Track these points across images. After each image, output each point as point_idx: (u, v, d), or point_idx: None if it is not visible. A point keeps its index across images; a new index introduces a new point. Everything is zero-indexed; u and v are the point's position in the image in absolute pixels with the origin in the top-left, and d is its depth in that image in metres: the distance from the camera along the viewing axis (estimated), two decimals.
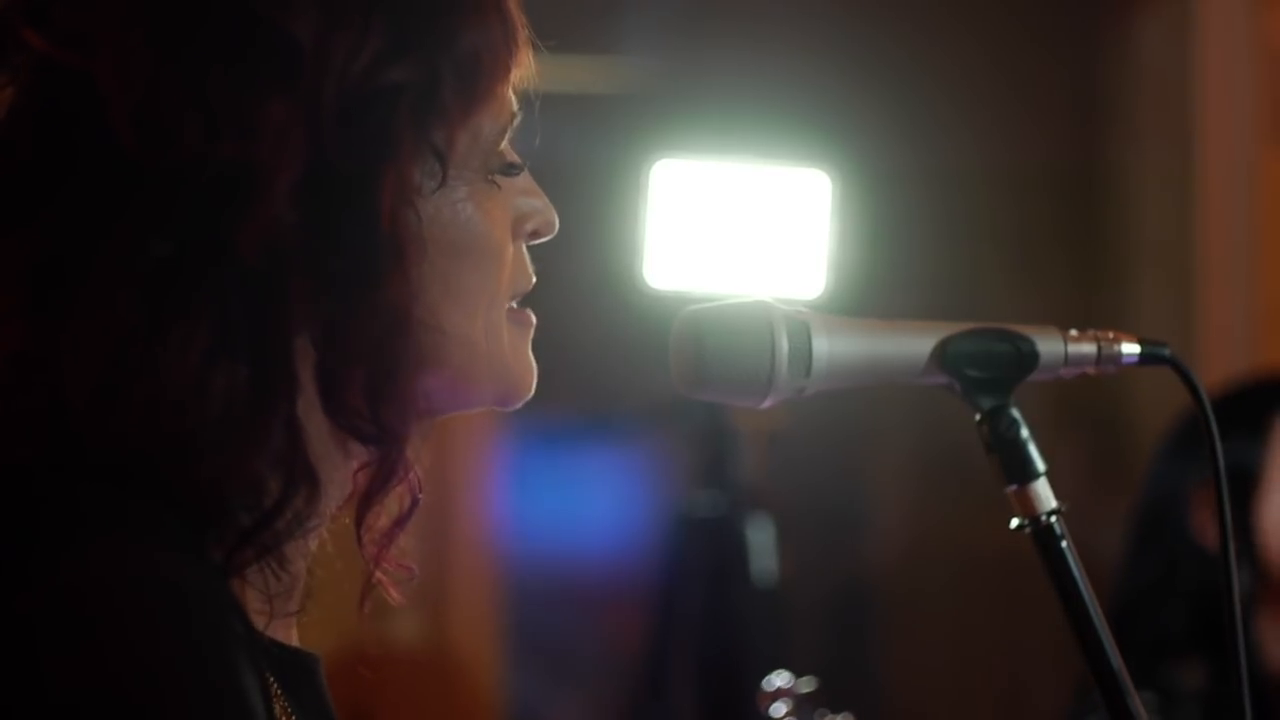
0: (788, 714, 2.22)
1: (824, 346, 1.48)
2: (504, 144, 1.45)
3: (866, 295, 4.14)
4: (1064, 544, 1.50)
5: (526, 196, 1.46)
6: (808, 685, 2.24)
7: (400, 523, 1.44)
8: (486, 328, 1.42)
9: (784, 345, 1.47)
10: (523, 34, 1.45)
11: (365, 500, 1.40)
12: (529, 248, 1.47)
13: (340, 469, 1.40)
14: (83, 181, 1.34)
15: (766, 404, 1.50)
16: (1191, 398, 1.51)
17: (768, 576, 4.04)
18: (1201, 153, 4.20)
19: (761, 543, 4.04)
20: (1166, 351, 1.52)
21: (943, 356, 1.50)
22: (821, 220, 3.98)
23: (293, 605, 1.41)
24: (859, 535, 5.05)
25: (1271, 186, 4.08)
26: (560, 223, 1.48)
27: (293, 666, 1.39)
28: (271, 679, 1.34)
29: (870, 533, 5.05)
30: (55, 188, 1.35)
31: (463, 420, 1.55)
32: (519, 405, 1.47)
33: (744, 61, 4.69)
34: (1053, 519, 1.50)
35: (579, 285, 3.83)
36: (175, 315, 1.32)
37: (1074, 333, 1.52)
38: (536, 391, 1.46)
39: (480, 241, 1.41)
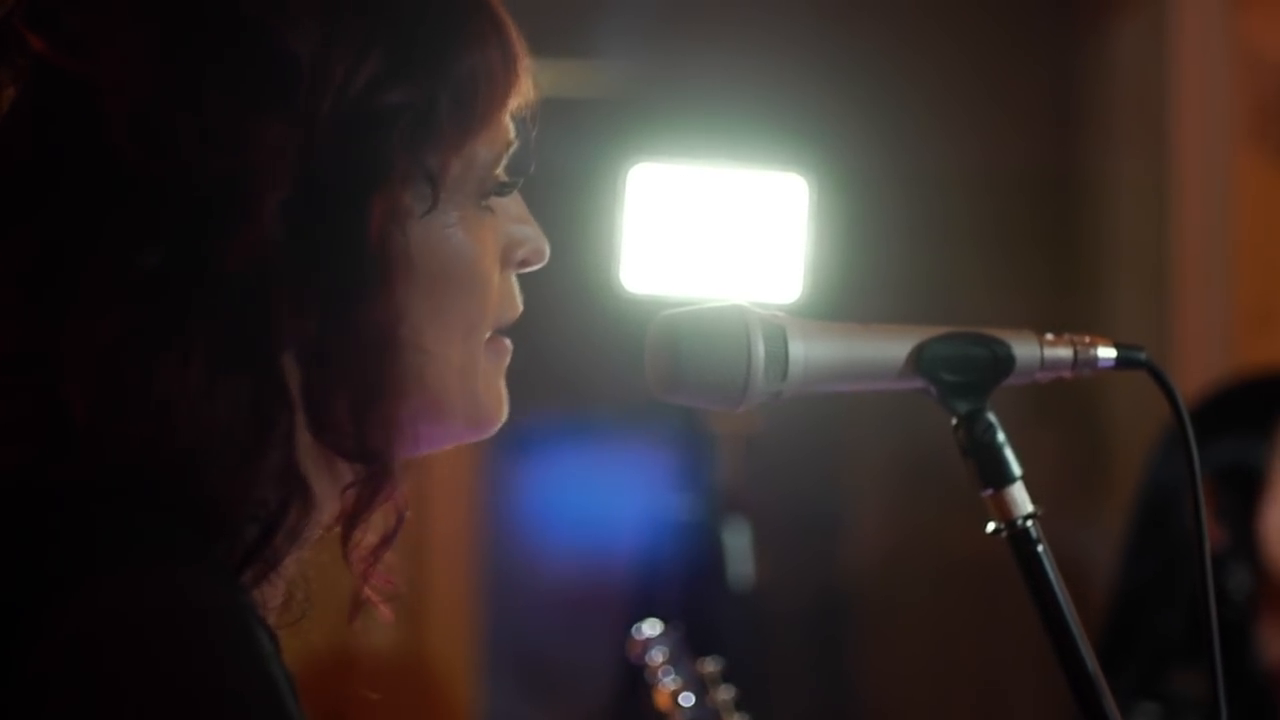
0: (664, 662, 2.22)
1: (800, 350, 1.48)
2: (499, 168, 1.44)
3: (843, 299, 4.13)
4: (1040, 548, 1.49)
5: (519, 224, 1.46)
6: (676, 631, 2.24)
7: (387, 540, 1.44)
8: (464, 354, 1.42)
9: (760, 349, 1.47)
10: (523, 61, 1.45)
11: (351, 518, 1.40)
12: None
13: (328, 485, 1.39)
14: (78, 186, 1.35)
15: (743, 408, 1.50)
16: (1167, 402, 1.52)
17: (745, 581, 4.04)
18: (1178, 156, 4.21)
19: (739, 547, 4.04)
20: (1143, 356, 1.53)
21: (919, 360, 1.50)
22: (798, 224, 3.97)
23: (286, 615, 1.41)
24: (837, 540, 5.05)
25: (1247, 190, 4.09)
26: (539, 226, 1.48)
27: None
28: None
29: (848, 537, 5.05)
30: (51, 190, 1.35)
31: None
32: (488, 435, 1.46)
33: (721, 66, 4.69)
34: (1028, 523, 1.50)
35: (556, 289, 3.81)
36: (168, 327, 1.32)
37: (1050, 337, 1.52)
38: (514, 395, 1.46)
39: (468, 268, 1.41)
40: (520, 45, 1.46)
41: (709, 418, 4.02)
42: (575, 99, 4.42)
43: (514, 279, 1.47)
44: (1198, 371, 3.93)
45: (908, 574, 4.96)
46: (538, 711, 4.69)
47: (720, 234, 3.94)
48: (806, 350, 1.48)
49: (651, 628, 2.25)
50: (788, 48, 4.78)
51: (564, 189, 3.78)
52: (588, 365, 4.44)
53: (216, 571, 1.31)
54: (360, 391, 1.36)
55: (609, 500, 4.63)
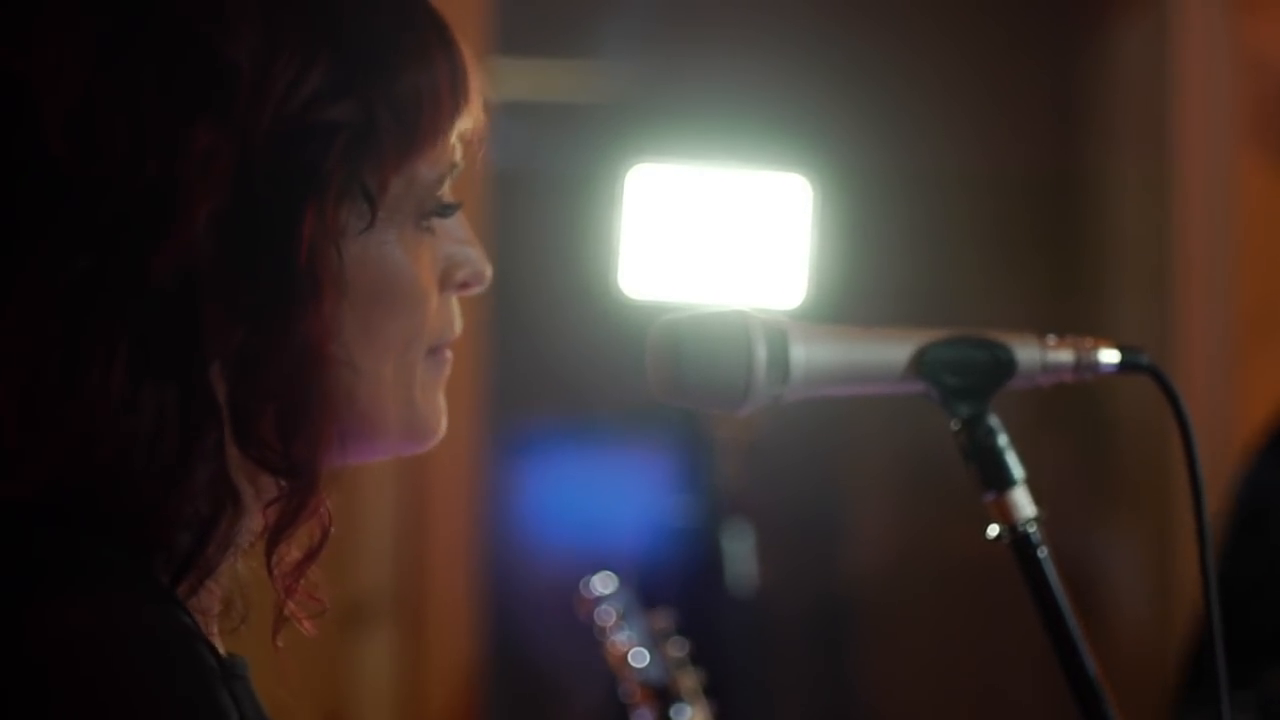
0: (615, 620, 2.20)
1: (801, 354, 1.48)
2: (443, 188, 1.43)
3: (846, 300, 4.13)
4: (1041, 552, 1.49)
5: (461, 246, 1.45)
6: (628, 584, 2.22)
7: (311, 556, 1.41)
8: (398, 371, 1.40)
9: (761, 352, 1.46)
10: (473, 83, 1.44)
11: (275, 533, 1.38)
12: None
13: (254, 497, 1.38)
14: (11, 188, 1.33)
15: (744, 412, 1.50)
16: (1170, 405, 1.51)
17: (746, 585, 4.03)
18: (1180, 158, 4.20)
19: (740, 551, 4.03)
20: (1145, 359, 1.52)
21: (920, 364, 1.49)
22: (801, 226, 3.97)
23: (227, 622, 1.40)
24: (838, 544, 5.05)
25: (1249, 192, 4.08)
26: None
27: (232, 677, 1.38)
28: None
29: (850, 541, 5.05)
30: None
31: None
32: (426, 448, 1.44)
33: (722, 67, 4.69)
34: (1030, 527, 1.49)
35: (558, 292, 3.82)
36: (92, 336, 1.31)
37: (1052, 340, 1.51)
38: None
39: (404, 288, 1.40)
40: (471, 67, 1.44)
41: (710, 421, 4.01)
42: (578, 100, 4.41)
43: (454, 301, 1.45)
44: (1200, 374, 3.93)
45: (909, 578, 4.96)
46: (539, 714, 4.68)
47: (723, 235, 3.93)
48: (808, 353, 1.48)
49: (602, 583, 2.22)
50: (789, 48, 4.77)
51: (566, 191, 3.78)
52: (588, 369, 4.43)
53: (153, 592, 1.30)
54: (287, 406, 1.34)
55: (609, 504, 4.62)
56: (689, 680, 2.18)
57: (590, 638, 2.23)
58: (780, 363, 1.47)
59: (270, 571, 1.40)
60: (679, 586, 4.02)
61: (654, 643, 2.18)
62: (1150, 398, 1.55)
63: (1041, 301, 4.90)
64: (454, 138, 1.43)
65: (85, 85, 1.33)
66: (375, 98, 1.37)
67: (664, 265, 3.89)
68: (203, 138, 1.32)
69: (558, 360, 4.19)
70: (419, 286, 1.41)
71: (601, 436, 4.67)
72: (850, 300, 4.25)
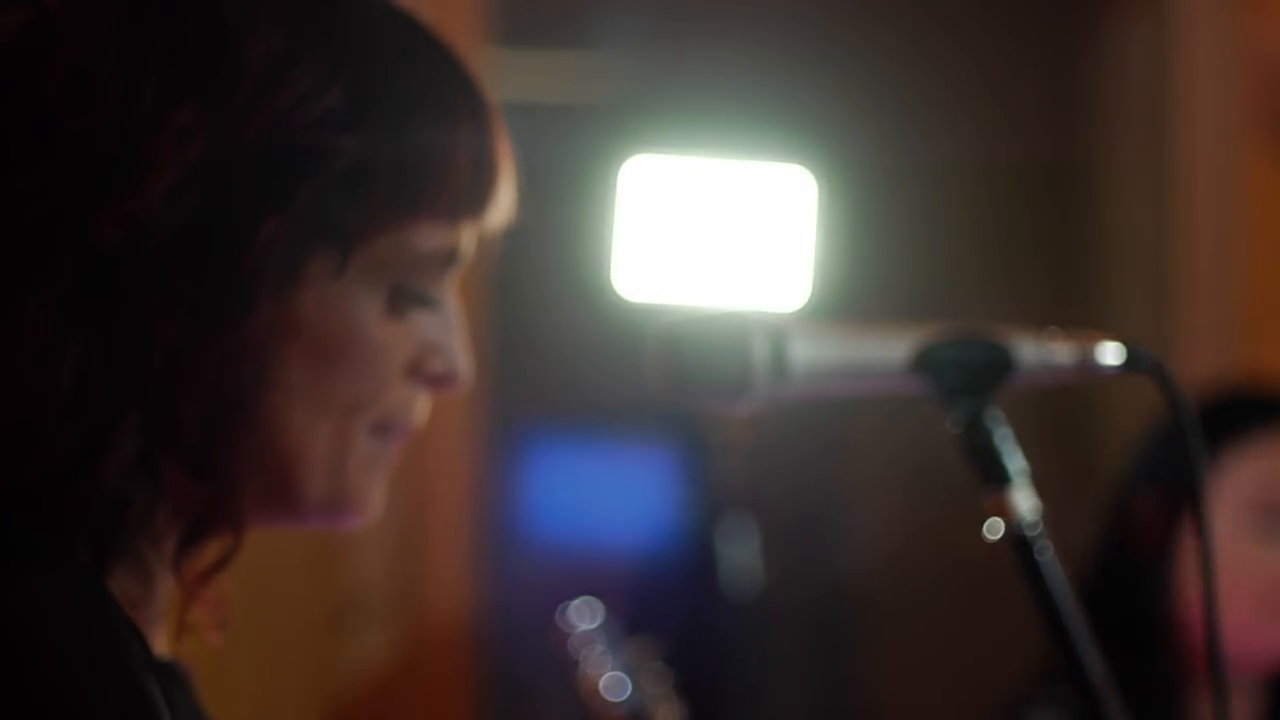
0: (595, 652, 2.17)
1: (800, 351, 1.47)
2: (436, 275, 1.38)
3: (849, 292, 4.12)
4: (1042, 549, 1.48)
5: (444, 336, 1.41)
6: (605, 613, 2.19)
7: (221, 564, 1.39)
8: (333, 433, 1.36)
9: (760, 350, 1.45)
10: (502, 172, 1.39)
11: (184, 538, 1.36)
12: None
13: (177, 494, 1.36)
14: (5, 119, 1.33)
15: (745, 410, 1.49)
16: (1171, 409, 1.50)
17: (745, 585, 4.03)
18: (1182, 151, 4.19)
19: (739, 551, 4.02)
20: (1150, 362, 1.50)
21: (920, 361, 1.48)
22: (805, 218, 3.95)
23: (159, 614, 1.38)
24: (838, 543, 5.04)
25: (1252, 185, 4.08)
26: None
27: (168, 678, 1.37)
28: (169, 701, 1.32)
29: (850, 540, 5.04)
30: None
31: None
32: (345, 527, 1.40)
33: (723, 59, 4.68)
34: (1031, 524, 1.48)
35: (557, 289, 3.81)
36: (27, 280, 1.30)
37: (1055, 338, 1.51)
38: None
39: (359, 351, 1.36)
40: (504, 156, 1.39)
41: (709, 421, 4.00)
42: (577, 94, 4.41)
43: (421, 394, 1.40)
44: (1201, 368, 3.92)
45: (910, 577, 4.95)
46: (533, 715, 4.67)
47: (723, 228, 3.92)
48: (807, 351, 1.47)
49: (578, 614, 2.18)
50: (790, 41, 4.76)
51: (567, 186, 3.77)
52: (587, 369, 4.42)
53: (73, 572, 1.28)
54: (210, 411, 1.32)
55: (608, 505, 4.61)
56: (671, 714, 2.15)
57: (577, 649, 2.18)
58: (780, 360, 1.46)
59: (179, 577, 1.37)
60: (678, 586, 4.02)
61: (635, 674, 2.14)
62: (1151, 400, 1.54)
63: (1045, 295, 4.89)
64: (468, 225, 1.39)
65: (100, 37, 1.33)
66: (381, 142, 1.34)
67: (664, 260, 3.88)
68: (183, 118, 1.32)
69: (557, 360, 4.19)
70: (378, 357, 1.36)
71: (600, 436, 4.66)
72: (854, 293, 4.25)
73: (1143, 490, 2.84)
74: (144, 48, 1.33)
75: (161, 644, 1.40)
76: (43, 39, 1.33)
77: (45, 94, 1.32)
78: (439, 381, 1.41)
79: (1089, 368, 1.50)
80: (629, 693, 2.11)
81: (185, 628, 1.40)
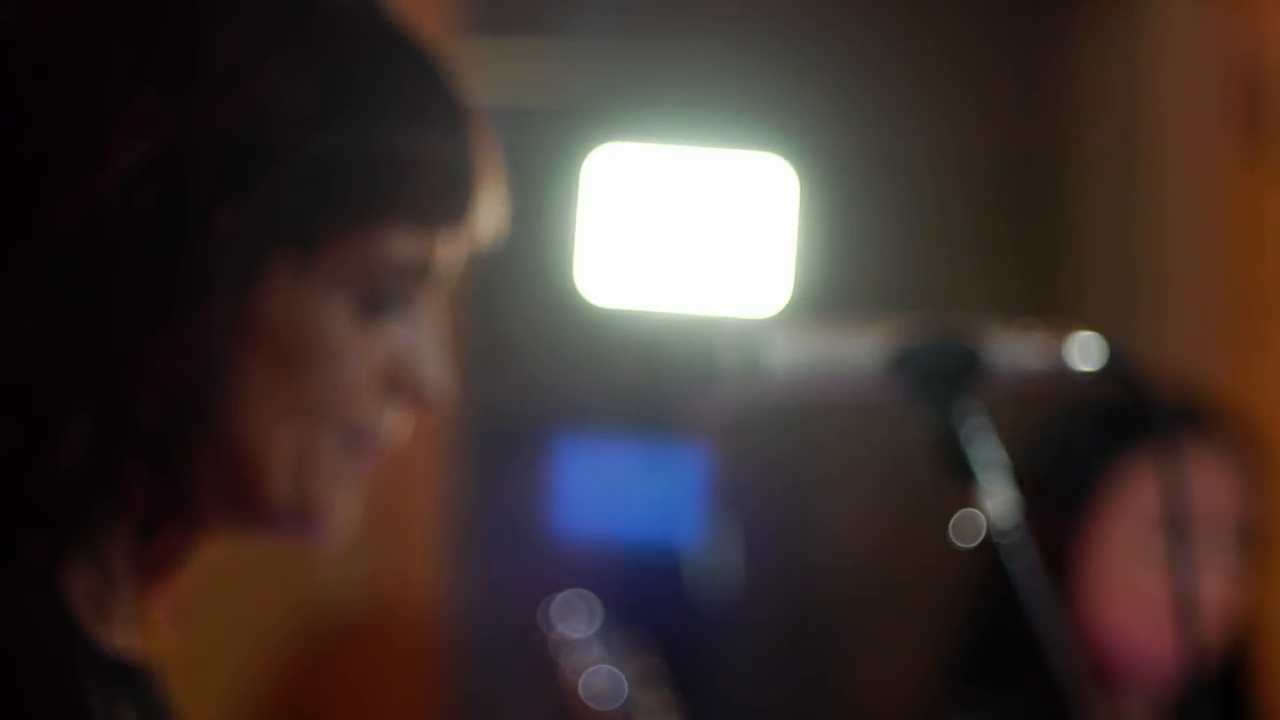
0: (598, 660, 2.15)
1: (771, 357, 1.46)
2: (409, 291, 1.36)
3: (826, 280, 4.12)
4: (1010, 551, 1.48)
5: (422, 348, 1.37)
6: (597, 617, 2.17)
7: (171, 562, 1.37)
8: (296, 440, 1.34)
9: (733, 353, 1.45)
10: (480, 186, 1.36)
11: (141, 531, 1.34)
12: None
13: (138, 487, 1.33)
14: None
15: (717, 413, 1.49)
16: (1145, 422, 1.49)
17: (724, 588, 4.02)
18: (1157, 143, 4.20)
19: (717, 554, 4.02)
20: (1129, 374, 1.49)
21: (896, 362, 1.48)
22: (784, 207, 3.95)
23: (124, 610, 1.36)
24: (816, 548, 5.04)
25: (1226, 178, 4.08)
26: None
27: (130, 677, 1.34)
28: (118, 699, 1.30)
29: (828, 545, 5.04)
30: None
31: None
32: (313, 540, 1.37)
33: (696, 48, 4.67)
34: (1002, 527, 1.48)
35: (523, 292, 3.80)
36: None
37: (1035, 343, 1.50)
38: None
39: (322, 353, 1.33)
40: (486, 171, 1.37)
41: (682, 423, 3.99)
42: (549, 87, 4.39)
43: (392, 408, 1.37)
44: (1174, 359, 3.92)
45: (887, 581, 4.95)
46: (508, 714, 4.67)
47: (700, 219, 3.90)
48: (777, 354, 1.47)
49: (562, 612, 2.16)
50: (765, 31, 4.75)
51: (539, 180, 3.76)
52: (562, 373, 4.41)
53: (9, 566, 1.27)
54: (169, 403, 1.30)
55: (580, 508, 4.60)
56: (667, 713, 2.13)
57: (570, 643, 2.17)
58: (751, 364, 1.46)
59: (134, 570, 1.35)
60: (652, 588, 4.02)
61: (626, 683, 2.12)
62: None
63: (1020, 285, 4.89)
64: (445, 234, 1.36)
65: (70, 24, 1.32)
66: (348, 141, 1.32)
67: (637, 251, 3.86)
68: (143, 105, 1.30)
69: (532, 364, 4.17)
70: (343, 363, 1.34)
71: (574, 442, 4.64)
72: (831, 281, 4.24)
73: (1037, 503, 2.82)
74: (112, 35, 1.32)
75: (128, 640, 1.37)
76: (13, 23, 1.32)
77: (13, 78, 1.31)
78: (410, 396, 1.38)
79: (1063, 378, 1.49)
80: (624, 693, 2.11)
81: (146, 626, 1.38)
